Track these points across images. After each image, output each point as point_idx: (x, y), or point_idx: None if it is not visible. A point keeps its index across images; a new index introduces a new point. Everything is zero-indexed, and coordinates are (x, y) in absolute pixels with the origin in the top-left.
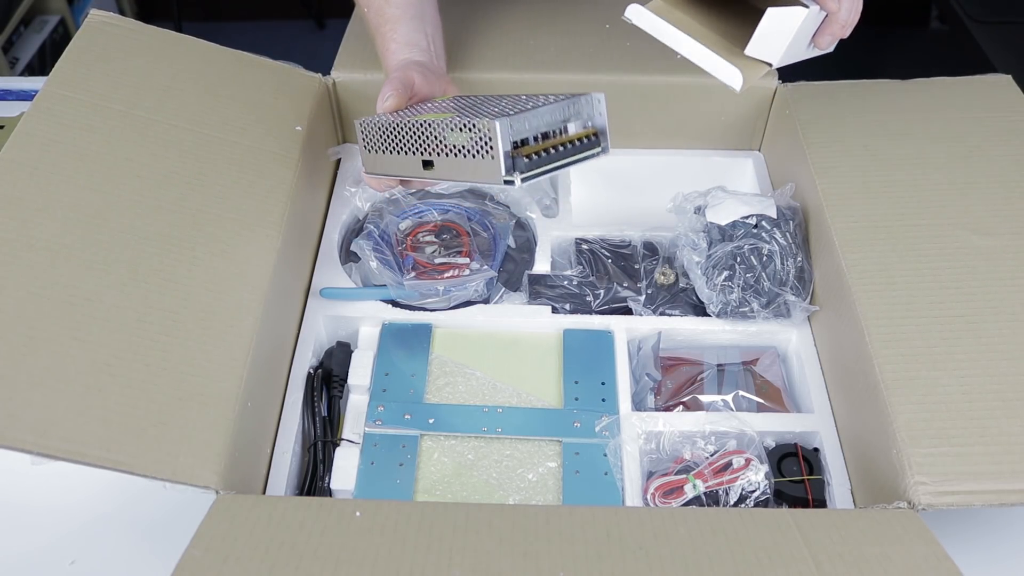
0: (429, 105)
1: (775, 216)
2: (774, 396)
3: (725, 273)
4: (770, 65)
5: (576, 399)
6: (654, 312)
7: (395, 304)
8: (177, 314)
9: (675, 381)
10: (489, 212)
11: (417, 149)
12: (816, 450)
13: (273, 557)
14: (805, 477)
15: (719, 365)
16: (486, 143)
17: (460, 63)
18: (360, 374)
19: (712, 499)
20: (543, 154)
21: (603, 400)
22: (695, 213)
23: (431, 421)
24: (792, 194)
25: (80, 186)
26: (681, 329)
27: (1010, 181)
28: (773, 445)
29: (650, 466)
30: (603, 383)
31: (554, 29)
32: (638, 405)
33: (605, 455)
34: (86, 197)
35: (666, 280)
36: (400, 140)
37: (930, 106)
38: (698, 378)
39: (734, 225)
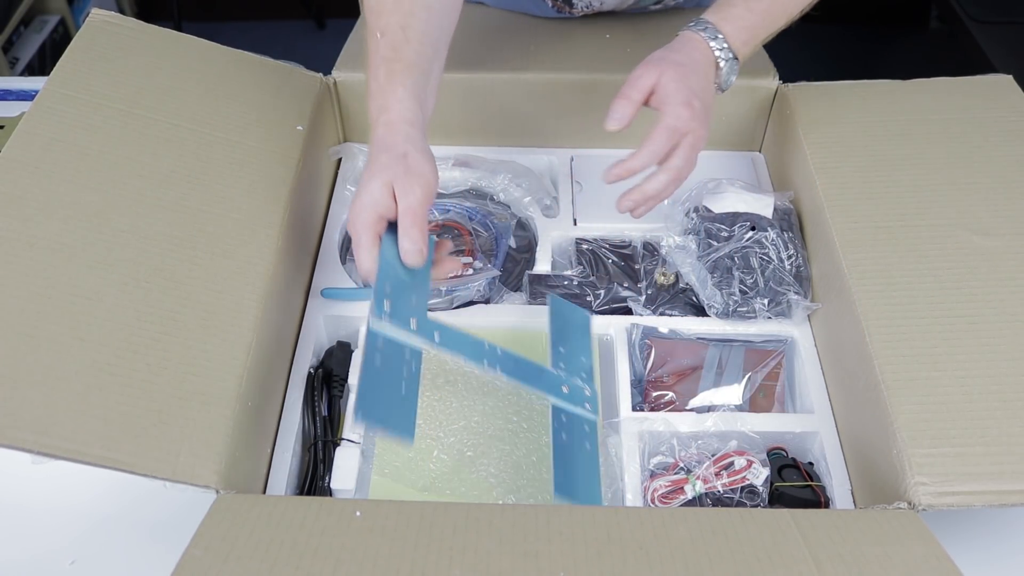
0: None
1: (771, 216)
2: (770, 399)
3: (725, 274)
4: None
5: (562, 366)
6: (654, 312)
7: None
8: (177, 314)
9: (672, 363)
10: (490, 211)
11: None
12: (811, 463)
13: (273, 557)
14: (811, 483)
15: (719, 365)
16: None
17: (462, 63)
18: None
19: (713, 499)
20: None
21: (584, 375)
22: (685, 216)
23: (436, 337)
24: (791, 199)
25: (81, 185)
26: (681, 329)
27: (1011, 181)
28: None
29: (650, 467)
30: (583, 359)
31: (555, 37)
32: None
33: (586, 429)
34: (87, 196)
35: (666, 280)
36: None
37: (930, 106)
38: (694, 372)
39: (732, 222)
